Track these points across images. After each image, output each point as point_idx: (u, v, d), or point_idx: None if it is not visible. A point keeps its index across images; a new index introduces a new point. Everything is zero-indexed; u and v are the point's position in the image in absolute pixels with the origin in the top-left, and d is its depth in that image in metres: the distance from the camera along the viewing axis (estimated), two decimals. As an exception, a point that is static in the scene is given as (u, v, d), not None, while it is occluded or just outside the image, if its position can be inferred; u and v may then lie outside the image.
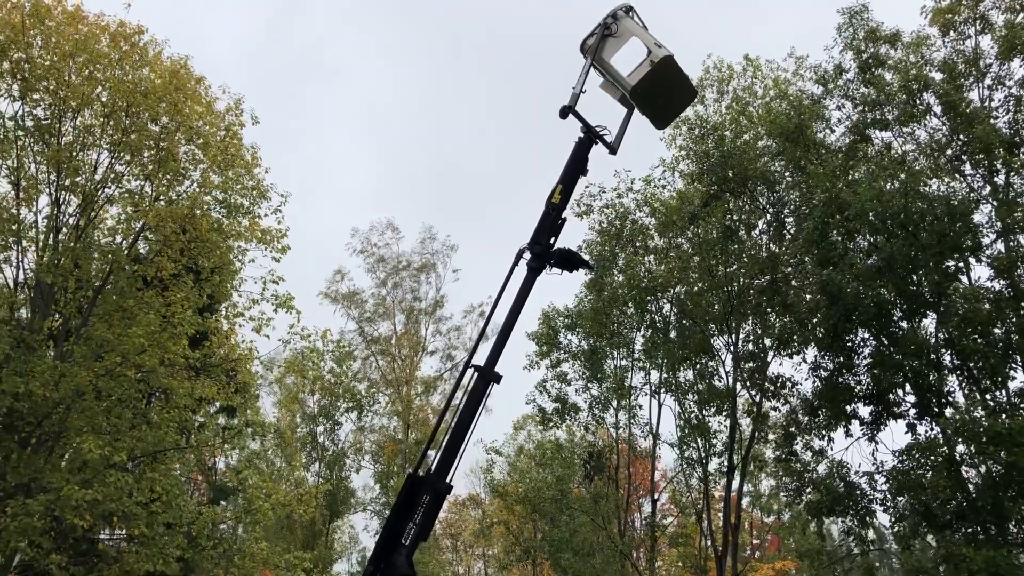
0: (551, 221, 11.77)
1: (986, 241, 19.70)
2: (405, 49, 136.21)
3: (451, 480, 11.28)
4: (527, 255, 11.65)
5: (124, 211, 20.36)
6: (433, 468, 11.27)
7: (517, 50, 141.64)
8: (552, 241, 11.75)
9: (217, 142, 20.42)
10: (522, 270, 11.71)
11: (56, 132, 19.63)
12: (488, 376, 11.41)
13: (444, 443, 11.38)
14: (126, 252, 19.78)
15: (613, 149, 12.26)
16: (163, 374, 19.55)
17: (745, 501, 35.95)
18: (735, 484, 28.40)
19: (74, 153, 19.99)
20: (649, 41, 11.76)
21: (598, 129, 12.04)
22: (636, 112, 12.27)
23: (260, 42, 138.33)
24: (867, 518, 21.09)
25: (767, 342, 26.48)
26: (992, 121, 20.01)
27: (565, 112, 11.81)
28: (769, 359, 26.43)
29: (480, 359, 11.73)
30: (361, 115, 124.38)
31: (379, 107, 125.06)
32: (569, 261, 11.87)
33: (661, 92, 11.94)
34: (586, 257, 12.23)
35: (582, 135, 12.01)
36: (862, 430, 20.91)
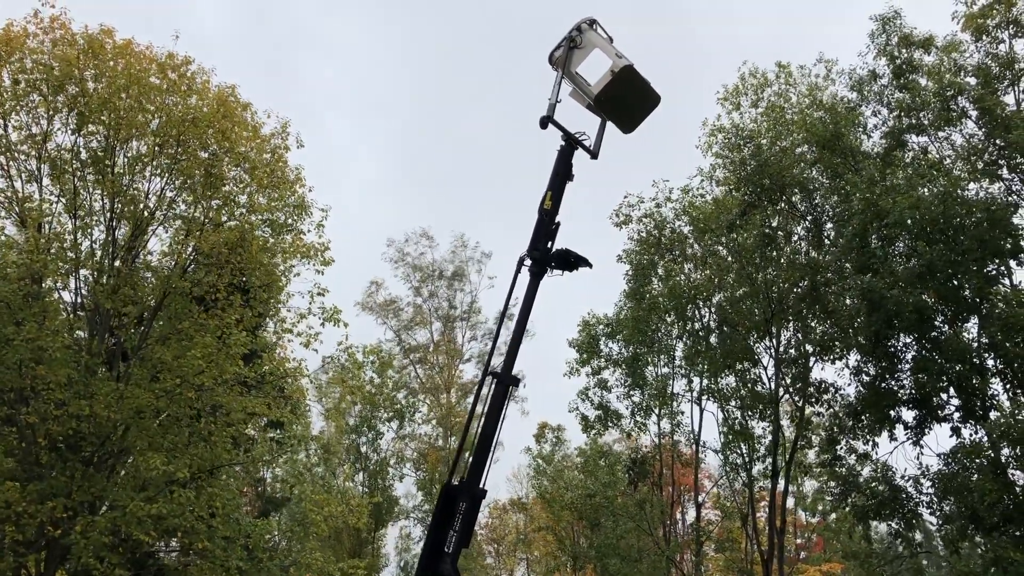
0: (545, 227, 12.31)
1: (1027, 244, 19.67)
2: (403, 34, 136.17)
3: (484, 485, 11.73)
4: (528, 261, 12.20)
5: (176, 236, 21.05)
6: (466, 475, 11.71)
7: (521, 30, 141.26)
8: (549, 245, 12.28)
9: (263, 164, 20.93)
10: (525, 276, 12.25)
11: (111, 163, 20.28)
12: (506, 381, 11.95)
13: (473, 449, 11.87)
14: (181, 275, 20.34)
15: (594, 154, 12.84)
16: (219, 393, 20.16)
17: (790, 502, 36.00)
18: (779, 488, 28.54)
19: (127, 182, 20.65)
20: (610, 52, 12.46)
21: (577, 135, 12.62)
22: None
23: (245, 30, 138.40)
24: (914, 521, 21.15)
25: (808, 348, 26.59)
26: (1029, 125, 20.00)
27: (544, 122, 12.44)
28: (811, 364, 26.56)
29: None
30: (357, 100, 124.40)
31: (376, 91, 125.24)
32: (568, 261, 12.38)
33: (624, 99, 12.58)
34: (583, 254, 12.77)
35: (563, 143, 12.57)
36: (906, 434, 20.98)
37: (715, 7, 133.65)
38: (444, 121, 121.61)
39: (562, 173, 12.54)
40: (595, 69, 12.62)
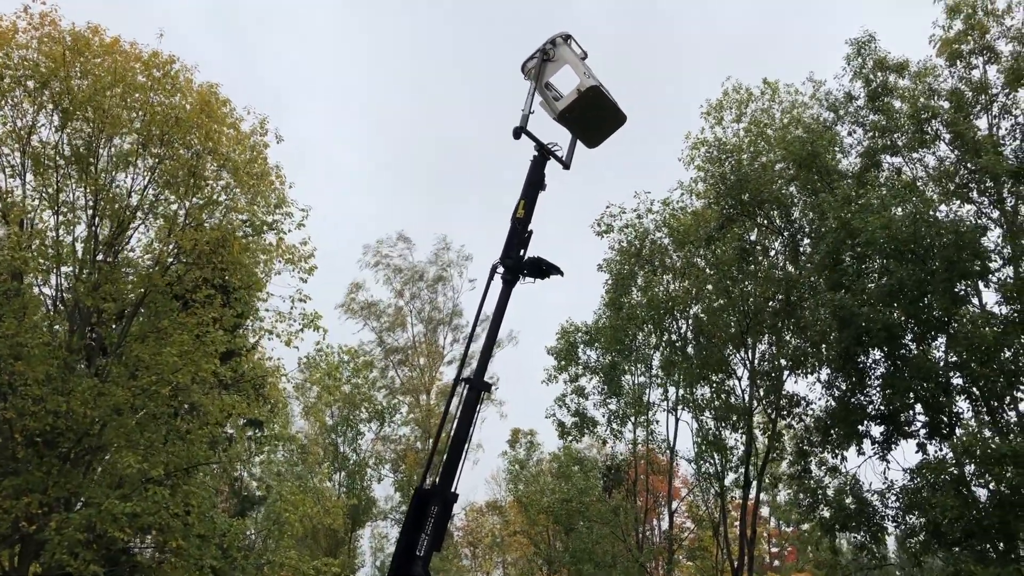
0: (518, 235, 12.61)
1: (994, 266, 20.09)
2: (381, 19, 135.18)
3: (456, 488, 12.05)
4: (500, 269, 12.47)
5: (159, 234, 21.13)
6: (438, 479, 11.98)
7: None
8: (522, 253, 12.58)
9: (244, 161, 20.98)
10: (498, 284, 12.62)
11: (94, 160, 20.33)
12: (478, 386, 12.26)
13: (446, 454, 12.13)
14: (162, 276, 20.37)
15: (566, 165, 13.19)
16: (195, 391, 20.26)
17: (764, 511, 36.41)
18: (751, 498, 28.90)
19: (110, 180, 20.70)
20: (579, 70, 12.79)
21: (550, 146, 12.92)
22: None
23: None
24: (879, 534, 21.51)
25: (782, 361, 26.94)
26: (1000, 148, 20.47)
27: (518, 133, 12.72)
28: (784, 377, 26.91)
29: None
30: (331, 88, 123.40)
31: (352, 81, 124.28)
32: (540, 269, 12.73)
33: (588, 117, 12.95)
34: (555, 262, 13.09)
35: (536, 153, 12.81)
36: (874, 449, 21.34)
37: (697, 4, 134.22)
38: (423, 114, 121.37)
39: (535, 183, 12.87)
40: (567, 82, 12.95)
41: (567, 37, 13.19)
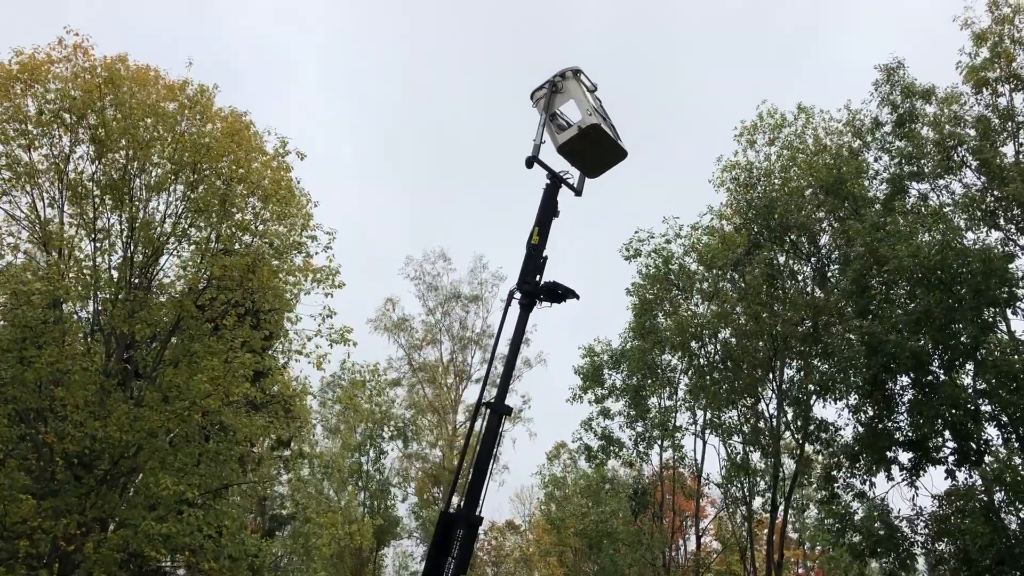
0: (534, 261, 12.87)
1: (1022, 293, 20.01)
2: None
3: (480, 511, 12.21)
4: (518, 295, 12.71)
5: (193, 259, 21.47)
6: (463, 502, 12.16)
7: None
8: (538, 278, 12.81)
9: (272, 185, 21.21)
10: (515, 309, 12.91)
11: (128, 190, 20.69)
12: (500, 410, 12.45)
13: (469, 477, 12.34)
14: (195, 299, 20.69)
15: (578, 192, 13.41)
16: (225, 414, 20.52)
17: (794, 535, 36.13)
18: (778, 521, 28.75)
19: (145, 208, 21.09)
20: (583, 106, 13.01)
21: (562, 174, 13.18)
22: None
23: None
24: (908, 561, 21.38)
25: (810, 387, 26.84)
26: (1028, 176, 20.43)
27: (530, 162, 13.01)
28: (812, 402, 26.80)
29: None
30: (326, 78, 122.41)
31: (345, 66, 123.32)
32: (556, 293, 12.96)
33: (587, 152, 13.16)
34: (571, 286, 13.33)
35: (548, 181, 13.07)
36: (902, 475, 21.27)
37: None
38: (411, 98, 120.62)
39: (548, 210, 13.12)
40: (576, 111, 13.19)
41: (576, 71, 13.44)
